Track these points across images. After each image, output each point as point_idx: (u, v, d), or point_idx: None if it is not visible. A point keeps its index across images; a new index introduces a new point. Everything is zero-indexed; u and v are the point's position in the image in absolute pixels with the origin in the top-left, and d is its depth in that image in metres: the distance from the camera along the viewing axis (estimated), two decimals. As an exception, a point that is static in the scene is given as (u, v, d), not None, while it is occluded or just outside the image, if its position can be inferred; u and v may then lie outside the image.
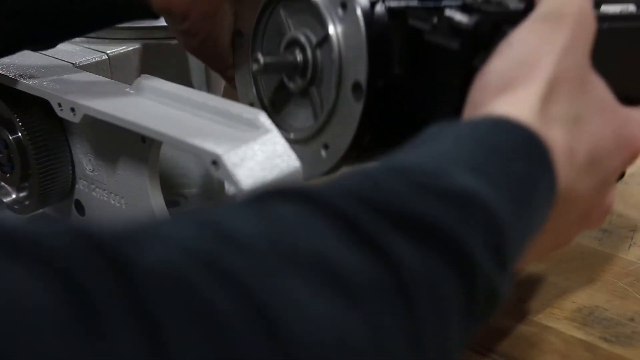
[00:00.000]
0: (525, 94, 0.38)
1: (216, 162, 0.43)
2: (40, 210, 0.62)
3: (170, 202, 0.55)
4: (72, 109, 0.51)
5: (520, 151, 0.36)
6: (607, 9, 0.53)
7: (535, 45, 0.39)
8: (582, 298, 0.51)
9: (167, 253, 0.25)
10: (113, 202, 0.56)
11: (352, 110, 0.47)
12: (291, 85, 0.51)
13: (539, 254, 0.43)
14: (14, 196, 0.60)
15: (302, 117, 0.51)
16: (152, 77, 0.51)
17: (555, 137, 0.37)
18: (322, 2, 0.48)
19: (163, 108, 0.49)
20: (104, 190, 0.57)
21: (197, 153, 0.44)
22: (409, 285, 0.29)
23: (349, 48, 0.47)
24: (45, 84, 0.54)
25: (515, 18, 0.41)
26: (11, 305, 0.21)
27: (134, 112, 0.48)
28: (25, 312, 0.21)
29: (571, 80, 0.39)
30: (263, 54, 0.50)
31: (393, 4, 0.47)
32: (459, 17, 0.42)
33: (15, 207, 0.60)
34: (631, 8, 0.55)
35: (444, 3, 0.48)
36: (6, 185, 0.60)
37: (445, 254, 0.30)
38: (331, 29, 0.48)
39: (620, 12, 0.53)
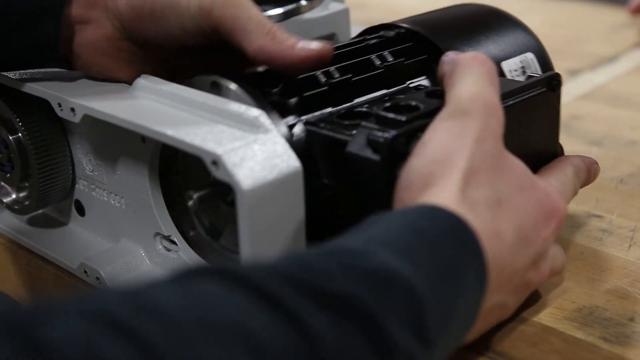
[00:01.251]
0: (444, 187, 0.40)
1: (216, 162, 0.43)
2: (40, 211, 0.62)
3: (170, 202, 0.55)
4: (72, 109, 0.51)
5: (445, 235, 0.38)
6: (508, 64, 0.55)
7: (447, 143, 0.42)
8: (582, 298, 0.51)
9: (78, 325, 0.27)
10: (113, 202, 0.56)
11: None
12: (232, 210, 0.51)
13: (486, 325, 0.45)
14: (13, 196, 0.60)
15: None
16: (152, 77, 0.51)
17: (480, 221, 0.40)
18: None
19: (163, 108, 0.49)
20: (104, 190, 0.57)
21: (197, 153, 0.44)
22: (324, 357, 0.31)
23: None
24: (45, 84, 0.54)
25: (429, 122, 0.44)
26: None
27: (134, 112, 0.48)
28: None
29: (486, 168, 0.42)
30: (194, 188, 0.50)
31: (310, 119, 0.48)
32: (376, 133, 0.44)
33: (15, 207, 0.60)
34: (530, 56, 0.57)
35: (357, 109, 0.49)
36: (6, 185, 0.61)
37: (361, 328, 0.33)
38: None
39: (523, 73, 0.56)
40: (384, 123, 0.45)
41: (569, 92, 0.85)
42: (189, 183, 0.53)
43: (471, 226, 0.39)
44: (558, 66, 0.91)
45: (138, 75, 0.53)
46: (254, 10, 0.50)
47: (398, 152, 0.43)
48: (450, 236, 0.39)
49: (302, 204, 0.45)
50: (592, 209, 0.61)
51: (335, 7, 0.73)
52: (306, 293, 0.32)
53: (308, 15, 0.69)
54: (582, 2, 1.18)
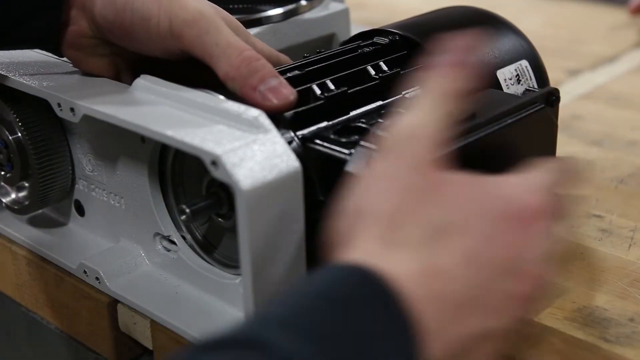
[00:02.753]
0: (363, 238, 0.37)
1: (215, 162, 0.43)
2: (40, 211, 0.62)
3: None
4: (72, 109, 0.51)
5: (356, 297, 0.35)
6: (504, 73, 0.55)
7: (364, 190, 0.39)
8: (582, 298, 0.51)
9: None
10: (113, 202, 0.56)
11: None
12: (224, 224, 0.51)
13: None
14: (13, 196, 0.60)
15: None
16: (152, 77, 0.51)
17: (408, 264, 0.36)
18: None
19: (163, 108, 0.49)
20: (104, 190, 0.57)
21: (197, 153, 0.44)
22: None
23: None
24: (45, 84, 0.54)
25: None
26: None
27: (133, 112, 0.48)
28: None
29: (414, 203, 0.38)
30: (187, 201, 0.50)
31: (305, 134, 0.48)
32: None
33: (15, 207, 0.60)
34: (524, 64, 0.57)
35: (354, 124, 0.48)
36: (6, 185, 0.61)
37: None
38: None
39: (518, 81, 0.56)
40: None
41: (569, 92, 0.84)
42: (181, 197, 0.54)
43: (389, 277, 0.35)
44: (558, 66, 0.91)
45: (109, 68, 0.54)
46: (223, 35, 0.49)
47: None
48: (361, 297, 0.35)
49: (301, 204, 0.45)
50: (592, 209, 0.61)
51: (335, 7, 0.73)
52: None
53: (308, 15, 0.69)
54: (582, 2, 1.18)
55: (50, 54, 0.58)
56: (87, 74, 0.55)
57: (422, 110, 0.41)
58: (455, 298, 0.37)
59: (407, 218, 0.38)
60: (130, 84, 0.54)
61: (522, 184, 0.41)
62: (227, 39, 0.49)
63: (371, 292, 0.35)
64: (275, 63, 0.52)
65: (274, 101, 0.48)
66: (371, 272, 0.35)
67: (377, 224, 0.37)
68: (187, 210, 0.48)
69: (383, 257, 0.36)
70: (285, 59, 0.56)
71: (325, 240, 0.40)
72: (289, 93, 0.48)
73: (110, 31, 0.52)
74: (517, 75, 0.57)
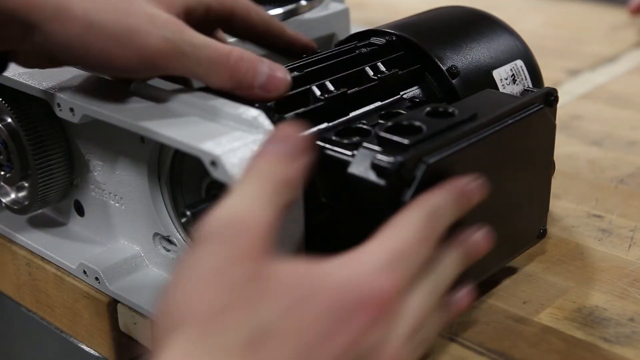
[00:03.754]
0: (176, 346, 0.34)
1: (215, 162, 0.43)
2: (40, 211, 0.62)
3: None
4: (71, 109, 0.51)
5: None
6: (499, 73, 0.56)
7: (181, 286, 0.36)
8: (582, 298, 0.51)
9: None
10: (112, 202, 0.56)
11: None
12: None
13: None
14: (13, 196, 0.60)
15: None
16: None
17: None
18: None
19: (162, 108, 0.49)
20: (104, 190, 0.57)
21: (196, 154, 0.44)
22: None
23: None
24: (44, 84, 0.54)
25: (433, 147, 0.43)
26: None
27: (133, 112, 0.48)
28: None
29: (236, 301, 0.35)
30: (187, 203, 0.50)
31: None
32: (381, 157, 0.43)
33: (15, 207, 0.60)
34: (519, 64, 0.58)
35: (355, 125, 0.48)
36: (5, 186, 0.61)
37: None
38: None
39: (513, 81, 0.56)
40: (387, 145, 0.44)
41: (569, 92, 0.85)
42: (182, 199, 0.54)
43: None
44: (558, 66, 0.91)
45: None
46: (203, 50, 0.47)
47: (404, 178, 0.43)
48: None
49: (300, 205, 0.44)
50: (592, 209, 0.61)
51: (335, 7, 0.73)
52: None
53: (308, 15, 0.69)
54: (582, 2, 1.18)
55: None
56: (86, 74, 0.55)
57: (247, 195, 0.38)
58: None
59: (227, 321, 0.34)
60: None
61: (362, 263, 0.37)
62: (206, 54, 0.47)
63: None
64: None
65: (274, 89, 0.48)
66: None
67: (195, 327, 0.34)
68: (188, 213, 0.48)
69: None
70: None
71: (151, 337, 0.36)
72: (283, 74, 0.48)
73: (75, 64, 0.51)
74: (513, 75, 0.57)
